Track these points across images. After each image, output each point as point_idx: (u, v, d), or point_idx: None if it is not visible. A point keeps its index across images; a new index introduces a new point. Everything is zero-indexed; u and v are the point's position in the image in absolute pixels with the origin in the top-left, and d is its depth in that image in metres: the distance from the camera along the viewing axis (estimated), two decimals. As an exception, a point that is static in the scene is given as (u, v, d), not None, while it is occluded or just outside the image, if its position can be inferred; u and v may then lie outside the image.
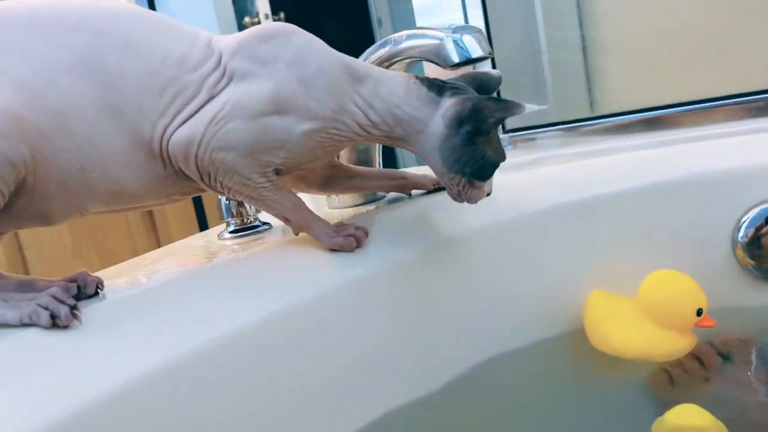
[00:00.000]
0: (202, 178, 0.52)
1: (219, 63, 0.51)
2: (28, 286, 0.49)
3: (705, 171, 0.67)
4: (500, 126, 0.54)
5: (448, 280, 0.62)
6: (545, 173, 0.78)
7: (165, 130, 0.49)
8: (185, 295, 0.51)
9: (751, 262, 0.65)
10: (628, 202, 0.68)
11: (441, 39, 0.55)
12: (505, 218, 0.67)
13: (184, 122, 0.50)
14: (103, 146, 0.48)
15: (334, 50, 0.53)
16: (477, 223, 0.65)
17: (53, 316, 0.44)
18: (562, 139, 0.96)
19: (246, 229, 0.65)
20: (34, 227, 0.51)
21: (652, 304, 0.61)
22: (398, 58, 0.59)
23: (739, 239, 0.65)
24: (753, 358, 0.62)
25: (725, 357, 0.61)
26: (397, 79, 0.54)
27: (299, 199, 0.56)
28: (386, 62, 0.60)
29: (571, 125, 0.95)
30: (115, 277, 0.54)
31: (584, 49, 1.03)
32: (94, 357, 0.43)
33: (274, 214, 0.56)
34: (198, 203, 1.63)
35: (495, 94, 0.56)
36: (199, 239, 0.68)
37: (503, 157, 0.55)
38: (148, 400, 0.43)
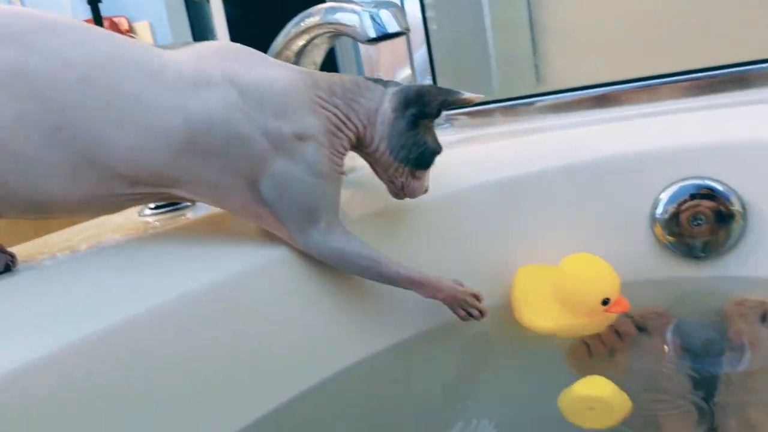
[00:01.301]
0: None
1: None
2: None
3: (625, 151, 0.69)
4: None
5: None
6: (473, 152, 0.79)
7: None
8: (97, 273, 0.50)
9: (670, 238, 0.67)
10: (553, 181, 0.70)
11: (358, 13, 0.55)
12: (431, 197, 0.67)
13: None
14: (30, 160, 0.45)
15: (279, 62, 0.54)
16: (402, 202, 0.65)
17: None
18: (505, 116, 0.96)
19: (167, 205, 0.64)
20: None
21: (562, 292, 0.62)
22: (318, 32, 0.59)
23: (658, 216, 0.67)
24: (668, 330, 0.64)
25: (641, 329, 0.63)
26: (345, 77, 0.56)
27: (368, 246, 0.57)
28: (306, 35, 0.59)
29: (513, 102, 0.96)
30: (31, 253, 0.52)
31: (531, 27, 1.04)
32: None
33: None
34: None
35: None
36: (119, 216, 0.66)
37: (441, 148, 0.58)
38: (52, 379, 0.42)
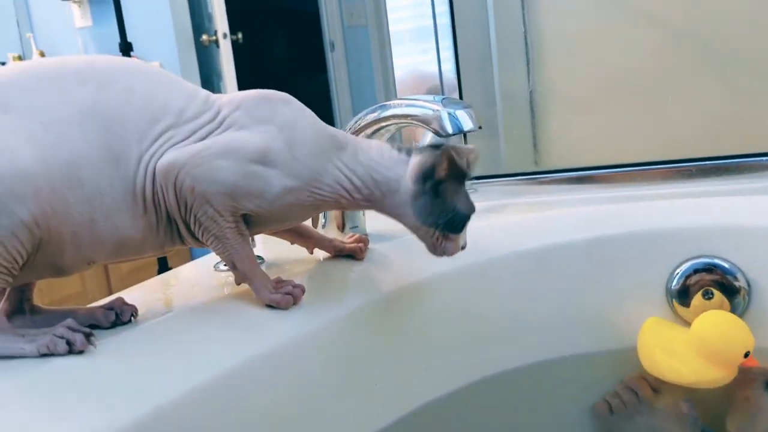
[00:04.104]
0: (179, 209, 0.54)
1: (216, 116, 0.55)
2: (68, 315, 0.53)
3: (640, 229, 0.78)
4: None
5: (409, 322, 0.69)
6: (503, 222, 0.86)
7: (148, 164, 0.52)
8: (200, 328, 0.55)
9: (681, 308, 0.75)
10: (579, 251, 0.77)
11: (438, 111, 0.62)
12: (468, 263, 0.72)
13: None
14: (109, 195, 0.50)
15: (320, 121, 0.59)
16: (441, 268, 0.70)
17: (69, 344, 0.47)
18: (510, 188, 1.04)
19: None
20: (48, 278, 0.54)
21: (705, 342, 0.68)
22: (394, 122, 0.66)
23: (672, 289, 0.75)
24: (679, 392, 0.71)
25: (656, 390, 0.70)
26: (372, 145, 0.59)
27: (251, 250, 0.59)
28: (383, 122, 0.67)
29: (519, 177, 1.05)
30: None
31: (532, 109, 1.12)
32: (106, 388, 0.46)
33: (225, 258, 0.58)
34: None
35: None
36: (194, 268, 0.72)
37: (473, 209, 0.59)
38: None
